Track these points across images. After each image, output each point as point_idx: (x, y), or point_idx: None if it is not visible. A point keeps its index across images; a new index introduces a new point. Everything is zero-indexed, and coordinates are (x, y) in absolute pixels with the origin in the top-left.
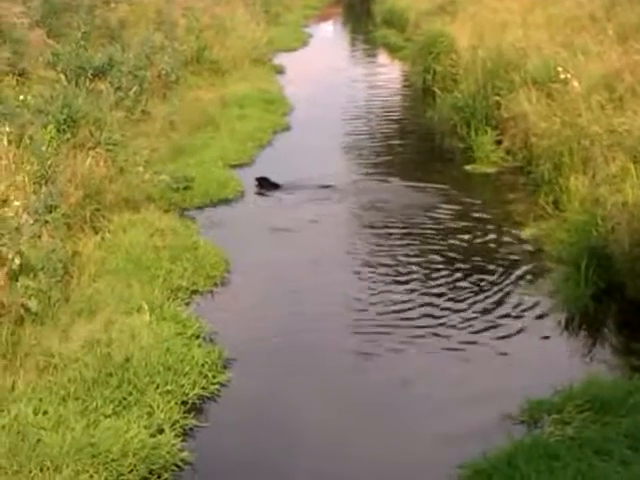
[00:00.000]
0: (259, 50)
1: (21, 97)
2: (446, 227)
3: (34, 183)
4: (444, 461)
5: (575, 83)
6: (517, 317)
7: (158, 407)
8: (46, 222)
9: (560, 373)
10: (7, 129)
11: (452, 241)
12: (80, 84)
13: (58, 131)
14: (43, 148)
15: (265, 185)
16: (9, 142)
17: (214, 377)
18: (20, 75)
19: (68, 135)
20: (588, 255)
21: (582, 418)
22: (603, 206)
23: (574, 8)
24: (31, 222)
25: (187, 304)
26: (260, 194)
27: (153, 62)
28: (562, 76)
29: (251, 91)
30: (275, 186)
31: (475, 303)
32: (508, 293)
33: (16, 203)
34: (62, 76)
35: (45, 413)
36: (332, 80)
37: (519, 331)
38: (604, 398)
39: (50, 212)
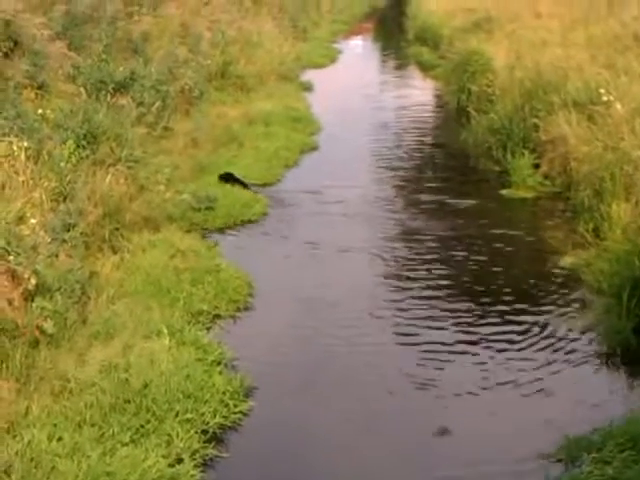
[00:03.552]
0: (286, 66)
1: (40, 111)
2: (479, 255)
3: (52, 200)
4: None
5: (618, 105)
6: (554, 350)
7: (177, 436)
8: (64, 241)
9: (600, 409)
10: (25, 144)
11: (485, 270)
12: (101, 98)
13: (77, 147)
14: (62, 164)
15: (230, 180)
16: (27, 157)
17: (235, 406)
18: (39, 88)
19: (88, 151)
20: (630, 286)
21: (623, 458)
22: None
23: (617, 27)
24: (48, 241)
25: (208, 329)
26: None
27: (176, 77)
28: (604, 98)
29: (277, 108)
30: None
31: (509, 335)
32: (545, 325)
33: (33, 221)
34: (82, 90)
35: (60, 439)
36: (362, 99)
37: (556, 365)
38: None
39: (68, 231)
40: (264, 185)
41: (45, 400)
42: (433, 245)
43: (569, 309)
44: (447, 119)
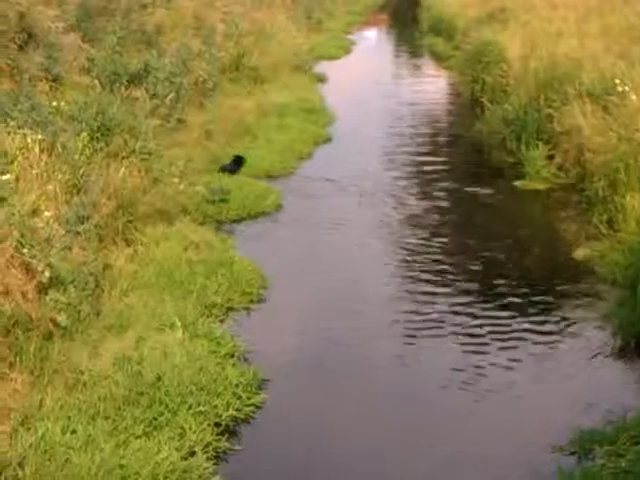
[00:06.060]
0: (300, 58)
1: (54, 103)
2: (493, 246)
3: (66, 193)
4: None
5: (633, 96)
6: (567, 342)
7: (190, 428)
8: (77, 234)
9: (613, 402)
10: (39, 136)
11: (499, 261)
12: (115, 91)
13: (91, 139)
14: (76, 157)
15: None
16: (41, 150)
17: (248, 398)
18: (54, 81)
19: (102, 143)
20: None
21: (637, 450)
22: None
23: (632, 17)
24: (62, 233)
25: (221, 321)
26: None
27: (190, 69)
28: (619, 88)
29: (291, 100)
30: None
31: (523, 326)
32: (558, 317)
33: (47, 213)
34: (96, 82)
35: (73, 432)
36: (376, 90)
37: (569, 357)
38: None
39: (82, 223)
40: (278, 177)
41: (59, 393)
42: (446, 235)
43: (583, 301)
44: (461, 110)
